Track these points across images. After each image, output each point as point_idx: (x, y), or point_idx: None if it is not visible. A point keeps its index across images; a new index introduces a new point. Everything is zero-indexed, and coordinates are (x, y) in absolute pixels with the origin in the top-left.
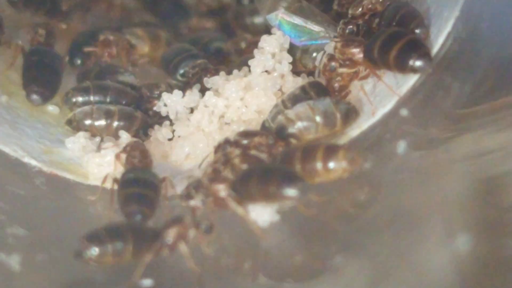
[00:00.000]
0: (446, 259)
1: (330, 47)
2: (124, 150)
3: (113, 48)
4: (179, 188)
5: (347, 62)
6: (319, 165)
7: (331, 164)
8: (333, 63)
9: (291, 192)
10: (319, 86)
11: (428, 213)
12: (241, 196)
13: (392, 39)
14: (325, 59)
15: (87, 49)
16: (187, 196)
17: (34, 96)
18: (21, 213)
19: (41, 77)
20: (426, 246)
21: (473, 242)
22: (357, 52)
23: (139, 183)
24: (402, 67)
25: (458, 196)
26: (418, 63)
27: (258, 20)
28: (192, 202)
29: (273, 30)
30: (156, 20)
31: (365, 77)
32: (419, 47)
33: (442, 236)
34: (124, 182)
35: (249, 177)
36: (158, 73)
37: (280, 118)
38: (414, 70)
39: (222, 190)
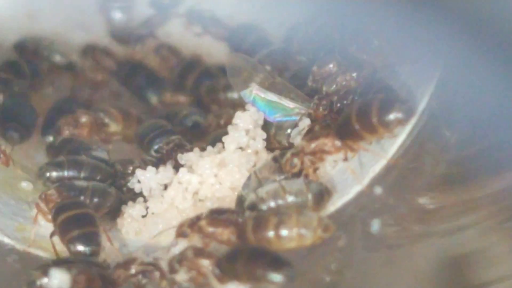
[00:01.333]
0: None
1: (303, 123)
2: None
3: (87, 127)
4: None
5: (318, 155)
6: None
7: (303, 231)
8: (324, 102)
9: (277, 277)
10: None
11: None
12: (225, 274)
13: (368, 103)
14: (315, 100)
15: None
16: (171, 270)
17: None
18: None
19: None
20: None
21: None
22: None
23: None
24: (387, 123)
25: (430, 275)
26: (400, 114)
27: (231, 95)
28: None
29: (247, 106)
30: (129, 93)
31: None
32: (396, 98)
33: None
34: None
35: (237, 257)
36: (131, 149)
37: (252, 196)
38: (400, 121)
39: (206, 265)
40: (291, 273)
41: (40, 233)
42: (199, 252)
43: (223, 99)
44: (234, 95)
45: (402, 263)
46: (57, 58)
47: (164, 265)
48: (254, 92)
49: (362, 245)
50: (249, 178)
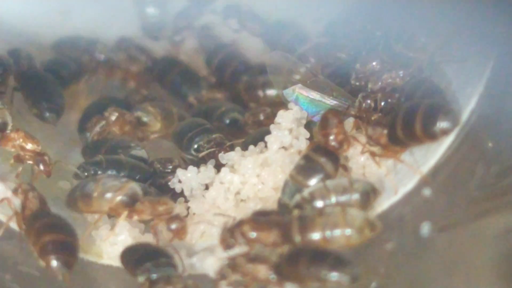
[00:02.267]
0: None
1: (348, 123)
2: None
3: (121, 124)
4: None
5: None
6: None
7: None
8: (368, 101)
9: (342, 277)
10: (321, 149)
11: None
12: (284, 277)
13: (412, 112)
14: (360, 98)
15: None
16: (221, 276)
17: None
18: None
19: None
20: None
21: None
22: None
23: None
24: (431, 133)
25: (489, 283)
26: (445, 123)
27: (270, 92)
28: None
29: (290, 105)
30: (165, 92)
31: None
32: (441, 107)
33: None
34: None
35: (298, 259)
36: (169, 147)
37: (297, 197)
38: (444, 132)
39: (263, 270)
40: (355, 272)
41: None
42: (253, 258)
43: (262, 96)
44: (272, 92)
45: (457, 274)
46: (101, 57)
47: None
48: (297, 91)
49: (411, 248)
50: (286, 183)
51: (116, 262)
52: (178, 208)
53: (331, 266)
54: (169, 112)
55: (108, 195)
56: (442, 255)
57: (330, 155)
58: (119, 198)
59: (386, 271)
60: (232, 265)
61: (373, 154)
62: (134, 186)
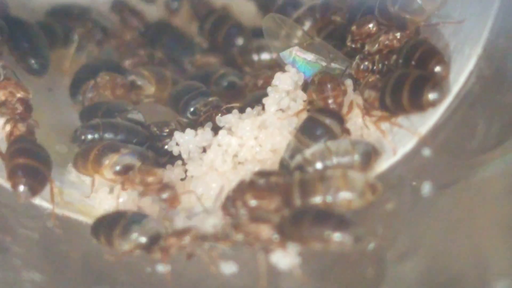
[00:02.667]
0: None
1: (346, 85)
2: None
3: (112, 88)
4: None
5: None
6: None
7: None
8: (366, 63)
9: (346, 238)
10: (326, 111)
11: (460, 262)
12: (287, 237)
13: (400, 81)
14: (357, 60)
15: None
16: (224, 236)
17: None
18: (36, 257)
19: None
20: None
21: None
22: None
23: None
24: (417, 105)
25: (494, 240)
26: (432, 95)
27: (265, 56)
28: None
29: (287, 67)
30: (159, 56)
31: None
32: (427, 80)
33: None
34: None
35: (301, 219)
36: (164, 111)
37: (298, 158)
38: (430, 104)
39: (266, 230)
40: (359, 233)
41: (78, 197)
42: (256, 218)
43: (257, 60)
44: (267, 56)
45: (461, 232)
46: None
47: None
48: (294, 53)
49: (412, 208)
50: (289, 144)
51: None
52: (176, 170)
53: (335, 226)
54: (163, 75)
55: (104, 161)
56: (444, 214)
57: (335, 117)
58: (113, 165)
59: (385, 232)
60: (235, 225)
61: (369, 116)
62: (130, 156)
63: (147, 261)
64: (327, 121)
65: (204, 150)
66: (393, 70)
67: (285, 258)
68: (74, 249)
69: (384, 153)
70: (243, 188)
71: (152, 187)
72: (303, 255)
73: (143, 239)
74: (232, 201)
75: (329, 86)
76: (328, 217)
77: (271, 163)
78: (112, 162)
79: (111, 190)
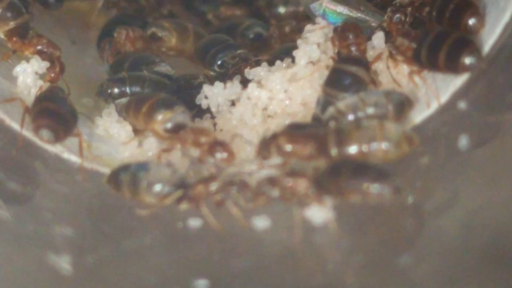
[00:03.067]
0: None
1: (377, 37)
2: None
3: (131, 42)
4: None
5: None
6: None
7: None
8: (398, 15)
9: (385, 189)
10: (351, 59)
11: (501, 216)
12: (324, 191)
13: (438, 40)
14: (389, 12)
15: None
16: (259, 191)
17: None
18: (67, 211)
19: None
20: None
21: None
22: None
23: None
24: (453, 67)
25: None
26: (469, 60)
27: (291, 8)
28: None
29: (317, 20)
30: (184, 9)
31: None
32: (467, 44)
33: None
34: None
35: (339, 172)
36: (187, 64)
37: (331, 110)
38: (466, 68)
39: (302, 184)
40: (397, 184)
41: (106, 151)
42: (292, 172)
43: (283, 13)
44: (294, 8)
45: (498, 181)
46: None
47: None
48: (324, 5)
49: (449, 162)
50: (319, 97)
51: None
52: (205, 124)
53: (374, 178)
54: (184, 27)
55: (157, 116)
56: (482, 168)
57: (360, 63)
58: (165, 122)
59: (423, 185)
60: (271, 179)
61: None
62: (183, 115)
63: (177, 215)
64: (353, 68)
65: (233, 103)
66: (427, 24)
67: (320, 212)
68: (103, 203)
69: (417, 103)
70: (278, 133)
71: (204, 147)
72: (338, 210)
73: (171, 190)
74: (267, 145)
75: (351, 33)
76: (367, 169)
77: (302, 116)
78: (164, 118)
79: (140, 144)
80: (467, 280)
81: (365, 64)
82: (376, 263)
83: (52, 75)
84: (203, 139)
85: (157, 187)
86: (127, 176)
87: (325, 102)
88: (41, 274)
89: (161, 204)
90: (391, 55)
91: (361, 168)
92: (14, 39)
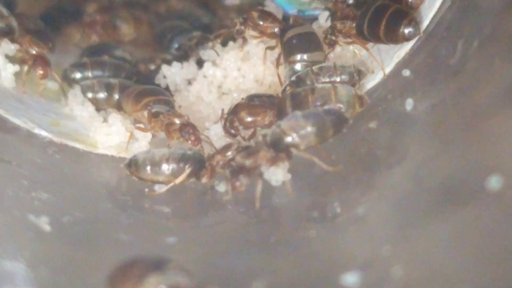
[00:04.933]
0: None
1: (323, 16)
2: None
3: (98, 28)
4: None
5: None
6: None
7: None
8: None
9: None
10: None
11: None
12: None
13: (378, 14)
14: None
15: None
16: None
17: None
18: (41, 179)
19: None
20: None
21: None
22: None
23: None
24: (393, 38)
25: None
26: (407, 30)
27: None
28: None
29: (266, 3)
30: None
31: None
32: (404, 15)
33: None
34: None
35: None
36: (143, 53)
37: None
38: (405, 38)
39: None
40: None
41: (73, 127)
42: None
43: (229, 4)
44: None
45: (438, 135)
46: None
47: None
48: None
49: (397, 124)
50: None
51: (110, 151)
52: None
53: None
54: (139, 17)
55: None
56: (426, 126)
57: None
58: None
59: (371, 149)
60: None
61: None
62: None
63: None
64: (301, 29)
65: (190, 82)
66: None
67: (276, 176)
68: (74, 174)
69: (367, 74)
70: (238, 108)
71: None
72: (293, 172)
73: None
74: (230, 122)
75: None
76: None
77: (255, 92)
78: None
79: (105, 120)
80: (418, 223)
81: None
82: (331, 217)
83: (41, 72)
84: (177, 121)
85: (177, 164)
86: (143, 161)
87: (287, 72)
88: (23, 231)
89: (185, 180)
90: (334, 34)
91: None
92: None
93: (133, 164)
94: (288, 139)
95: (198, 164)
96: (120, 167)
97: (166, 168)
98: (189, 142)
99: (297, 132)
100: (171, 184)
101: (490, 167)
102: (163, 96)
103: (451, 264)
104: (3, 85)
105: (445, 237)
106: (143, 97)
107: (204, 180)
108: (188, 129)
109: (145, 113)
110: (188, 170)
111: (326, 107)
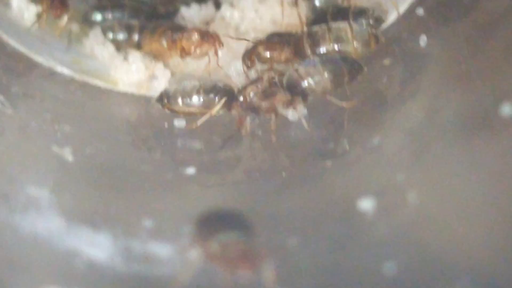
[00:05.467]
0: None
1: None
2: None
3: None
4: None
5: None
6: None
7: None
8: None
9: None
10: None
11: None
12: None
13: None
14: None
15: None
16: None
17: None
18: (64, 113)
19: None
20: None
21: None
22: None
23: None
24: None
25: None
26: None
27: None
28: None
29: None
30: None
31: None
32: None
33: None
34: None
35: None
36: None
37: None
38: None
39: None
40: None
41: (94, 66)
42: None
43: None
44: None
45: (452, 69)
46: None
47: None
48: None
49: (411, 59)
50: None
51: (130, 89)
52: None
53: None
54: None
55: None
56: (439, 61)
57: None
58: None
59: (385, 84)
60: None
61: None
62: None
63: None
64: None
65: (208, 24)
66: None
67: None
68: (96, 109)
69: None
70: (257, 43)
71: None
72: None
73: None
74: (249, 55)
75: None
76: None
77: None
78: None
79: (125, 58)
80: (433, 150)
81: None
82: (346, 148)
83: (58, 11)
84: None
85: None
86: (174, 93)
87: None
88: (47, 160)
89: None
90: None
91: None
92: None
93: (165, 97)
94: (304, 83)
95: (229, 95)
96: (152, 103)
97: (197, 99)
98: (214, 48)
99: (313, 77)
100: (207, 115)
101: (502, 95)
102: (177, 23)
103: (465, 189)
104: (26, 25)
105: (460, 163)
106: (158, 27)
107: (234, 111)
108: (209, 34)
109: (163, 41)
110: (222, 100)
111: (342, 55)
